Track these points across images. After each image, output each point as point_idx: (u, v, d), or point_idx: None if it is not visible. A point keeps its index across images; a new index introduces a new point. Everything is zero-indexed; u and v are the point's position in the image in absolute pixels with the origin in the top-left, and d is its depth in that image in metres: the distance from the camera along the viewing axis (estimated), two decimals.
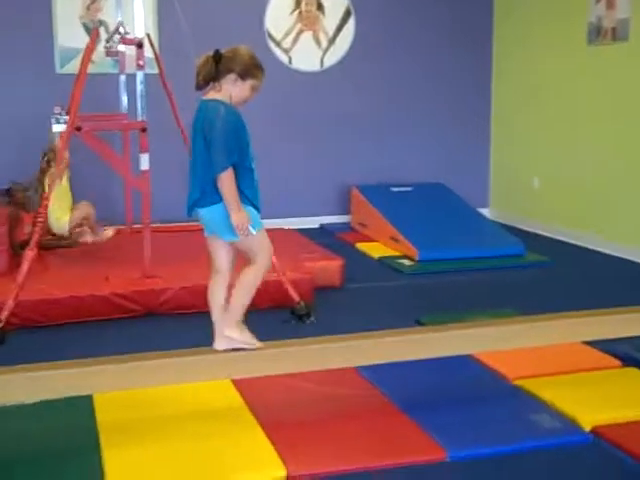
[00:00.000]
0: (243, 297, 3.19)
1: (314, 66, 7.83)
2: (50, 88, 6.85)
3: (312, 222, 7.85)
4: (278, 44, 7.69)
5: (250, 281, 3.19)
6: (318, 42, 7.79)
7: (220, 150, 2.99)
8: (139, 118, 4.91)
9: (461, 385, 3.67)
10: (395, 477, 2.90)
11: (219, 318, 3.23)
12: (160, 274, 4.98)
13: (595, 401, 3.41)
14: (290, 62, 7.75)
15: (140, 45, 4.89)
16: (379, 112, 7.99)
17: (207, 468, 2.91)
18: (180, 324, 4.75)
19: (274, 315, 4.81)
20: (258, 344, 3.23)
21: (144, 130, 4.88)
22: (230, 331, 3.19)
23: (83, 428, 3.24)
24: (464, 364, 3.83)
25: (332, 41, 7.82)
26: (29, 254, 4.52)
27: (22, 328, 4.58)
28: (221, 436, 3.15)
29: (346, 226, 7.78)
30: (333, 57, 7.85)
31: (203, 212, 3.14)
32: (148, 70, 5.16)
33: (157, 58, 5.91)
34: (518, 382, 3.65)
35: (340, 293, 5.44)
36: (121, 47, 5.95)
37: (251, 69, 3.10)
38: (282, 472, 2.88)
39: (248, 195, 3.11)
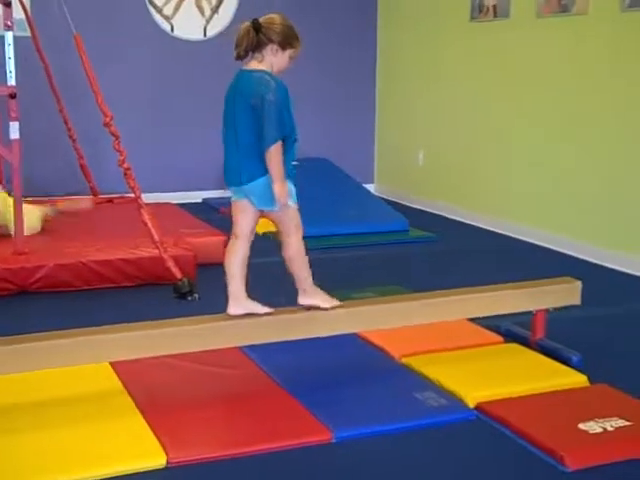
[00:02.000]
0: (303, 265, 3.29)
1: (197, 35, 7.60)
2: None
3: (195, 197, 7.67)
4: (160, 11, 7.42)
5: (299, 249, 3.26)
6: (201, 10, 7.57)
7: (274, 123, 2.99)
8: (9, 83, 4.60)
9: (347, 364, 3.62)
10: (282, 459, 2.82)
11: (236, 282, 3.29)
12: (33, 250, 4.72)
13: (479, 378, 3.42)
14: (172, 30, 7.50)
15: (7, 4, 4.58)
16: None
17: (82, 456, 2.75)
18: (54, 302, 4.54)
19: (155, 292, 4.66)
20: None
21: (13, 96, 4.59)
22: (314, 299, 3.30)
23: None
24: (350, 342, 3.79)
25: (215, 10, 7.61)
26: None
27: None
28: (97, 422, 2.99)
29: (227, 200, 7.60)
30: (216, 26, 7.64)
31: (248, 186, 3.11)
32: (18, 32, 4.86)
33: (28, 18, 5.61)
34: (404, 360, 3.63)
35: (223, 270, 5.30)
36: None
37: (290, 39, 3.09)
38: (162, 459, 2.75)
39: (287, 168, 3.08)
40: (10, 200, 4.83)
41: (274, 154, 3.02)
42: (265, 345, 3.41)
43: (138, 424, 2.98)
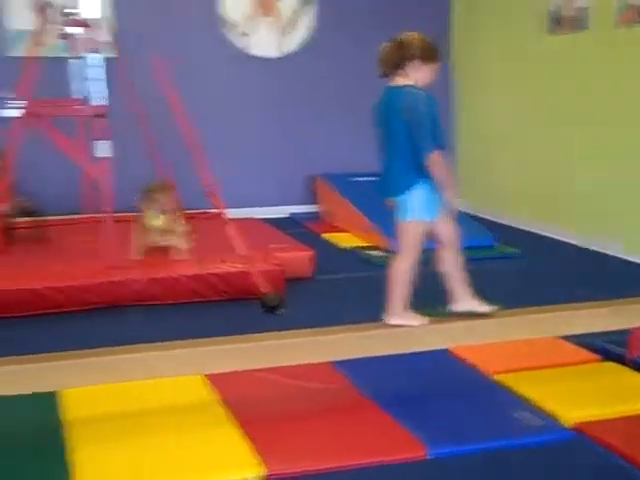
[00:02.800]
0: (398, 286, 3.32)
1: (273, 52, 7.67)
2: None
3: (281, 212, 7.72)
4: (235, 29, 7.52)
5: (399, 268, 3.33)
6: (277, 28, 7.63)
7: (428, 133, 3.12)
8: (94, 103, 4.71)
9: (439, 380, 3.58)
10: (376, 475, 2.80)
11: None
12: (123, 265, 4.81)
13: (576, 397, 3.34)
14: (247, 48, 7.58)
15: (92, 27, 4.70)
16: (339, 99, 7.86)
17: (181, 467, 2.79)
18: (145, 315, 4.62)
19: (243, 307, 4.70)
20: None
21: (102, 116, 4.69)
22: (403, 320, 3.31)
23: (48, 425, 3.10)
24: (442, 358, 3.74)
25: (291, 27, 7.67)
26: None
27: None
28: (195, 433, 3.03)
29: (315, 216, 7.66)
30: (291, 43, 7.70)
31: (402, 196, 3.20)
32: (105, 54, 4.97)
33: (114, 40, 5.74)
34: (497, 377, 3.56)
35: (311, 284, 5.32)
36: (71, 29, 5.73)
37: (431, 53, 3.22)
38: (260, 471, 2.76)
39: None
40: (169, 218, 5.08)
41: (436, 162, 3.13)
42: (355, 359, 3.38)
43: (235, 436, 3.00)
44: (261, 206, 7.59)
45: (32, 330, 4.38)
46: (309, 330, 3.35)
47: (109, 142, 4.71)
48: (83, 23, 4.69)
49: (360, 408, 3.27)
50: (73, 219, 6.32)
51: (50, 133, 4.78)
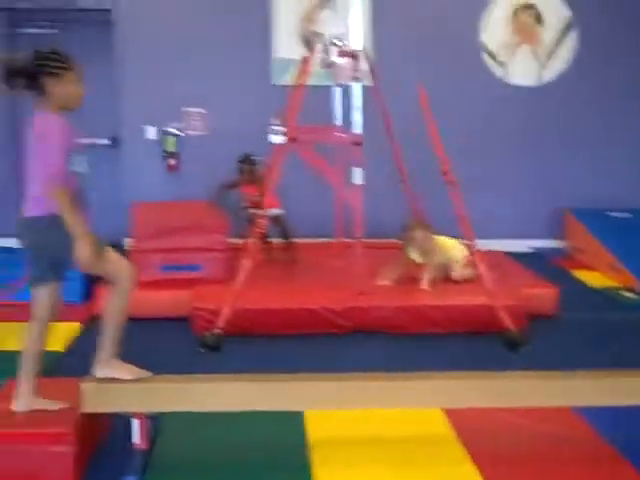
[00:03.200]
0: None
1: (531, 80, 7.54)
2: (266, 99, 7.00)
3: (521, 245, 7.54)
4: (494, 57, 7.48)
5: None
6: (536, 56, 7.51)
7: None
8: (354, 131, 4.87)
9: None
10: None
11: None
12: (370, 291, 4.93)
13: None
14: (506, 76, 7.51)
15: (356, 57, 4.87)
16: (597, 131, 7.57)
17: None
18: (387, 343, 4.70)
19: (485, 341, 4.66)
20: None
21: (359, 144, 4.85)
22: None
23: (294, 443, 3.24)
24: None
25: (551, 55, 7.51)
26: (245, 264, 4.60)
27: (235, 336, 4.67)
28: (432, 467, 3.04)
29: (560, 251, 7.42)
30: (551, 72, 7.53)
31: None
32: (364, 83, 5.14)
33: (372, 70, 5.91)
34: None
35: (554, 323, 5.16)
36: (337, 59, 5.98)
37: None
38: None
39: None
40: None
41: None
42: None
43: (472, 476, 2.97)
44: (502, 238, 7.45)
45: (280, 348, 4.60)
46: (550, 372, 3.25)
47: (362, 170, 4.84)
48: (351, 54, 4.87)
49: (601, 457, 3.14)
50: (323, 243, 6.57)
51: (309, 158, 5.00)
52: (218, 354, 4.50)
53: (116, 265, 3.01)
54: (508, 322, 4.60)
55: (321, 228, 6.83)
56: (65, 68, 2.89)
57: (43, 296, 3.01)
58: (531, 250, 7.50)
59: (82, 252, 2.85)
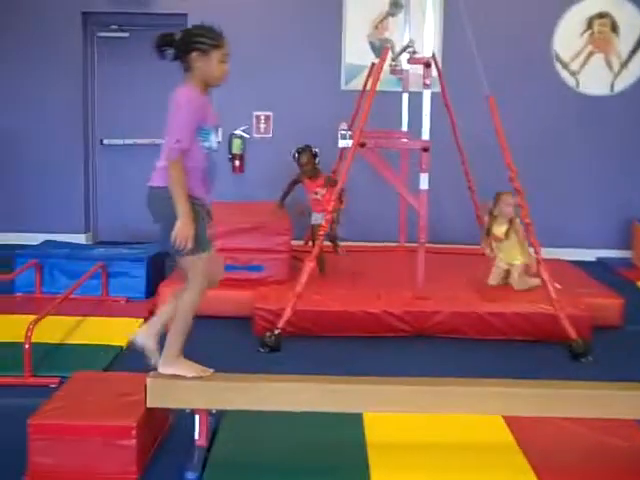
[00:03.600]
0: None
1: (604, 90, 7.41)
2: (334, 104, 7.03)
3: (587, 254, 7.41)
4: (566, 66, 7.38)
5: None
6: (609, 65, 7.38)
7: None
8: (423, 137, 4.87)
9: None
10: None
11: None
12: (431, 296, 4.91)
13: None
14: (578, 85, 7.40)
15: (428, 65, 4.86)
16: None
17: None
18: (447, 348, 4.69)
19: (546, 350, 4.62)
20: None
21: (426, 150, 4.84)
22: None
23: (352, 445, 3.24)
24: None
25: (625, 64, 7.37)
26: (308, 266, 4.64)
27: (294, 336, 4.71)
28: (492, 475, 3.01)
29: (626, 262, 7.27)
30: (625, 81, 7.39)
31: None
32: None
33: (440, 77, 5.91)
34: None
35: (619, 334, 5.07)
36: (406, 66, 5.99)
37: None
38: None
39: None
40: None
41: None
42: None
43: None
44: (568, 247, 7.34)
45: (338, 350, 4.62)
46: (616, 384, 3.24)
47: (428, 175, 4.84)
48: (424, 61, 4.85)
49: None
50: (386, 246, 6.58)
51: (376, 162, 5.02)
52: (278, 354, 4.55)
53: (206, 264, 2.95)
54: (571, 331, 4.54)
55: (384, 232, 6.85)
56: (213, 45, 2.92)
57: (200, 264, 2.91)
58: (595, 260, 7.36)
59: (180, 231, 2.81)
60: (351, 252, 6.12)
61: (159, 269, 5.78)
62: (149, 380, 3.04)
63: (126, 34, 7.45)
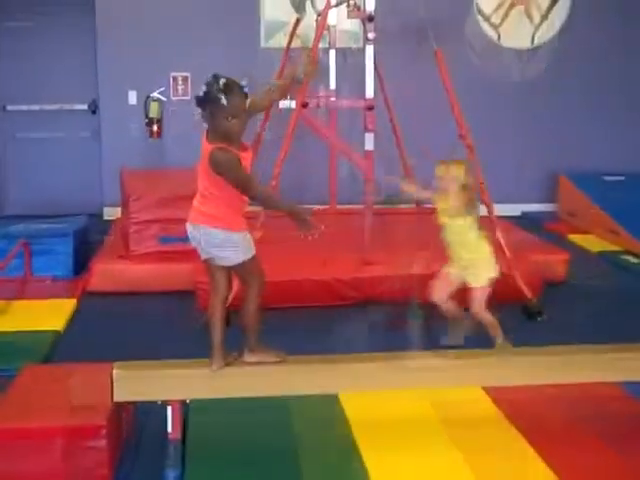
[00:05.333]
0: None
1: (524, 43, 7.37)
2: (254, 62, 6.70)
3: (511, 209, 7.39)
4: (487, 19, 7.29)
5: None
6: (530, 17, 7.33)
7: None
8: (367, 95, 4.66)
9: None
10: None
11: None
12: (379, 260, 4.74)
13: None
14: (499, 39, 7.34)
15: (371, 19, 4.63)
16: (590, 95, 7.44)
17: None
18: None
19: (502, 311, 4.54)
20: None
21: (371, 108, 4.64)
22: None
23: (335, 424, 3.09)
24: None
25: (545, 17, 7.34)
26: (255, 235, 4.38)
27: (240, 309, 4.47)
28: (486, 449, 2.90)
29: (552, 215, 7.32)
30: (545, 34, 7.37)
31: None
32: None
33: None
34: None
35: (563, 290, 5.05)
36: (332, 21, 5.74)
37: None
38: None
39: None
40: None
41: None
42: None
43: (530, 457, 2.84)
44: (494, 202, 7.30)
45: (288, 322, 4.43)
46: (598, 347, 3.16)
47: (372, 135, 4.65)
48: (365, 16, 4.61)
49: None
50: (318, 209, 6.35)
51: (315, 124, 4.80)
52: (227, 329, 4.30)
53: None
54: (527, 291, 4.48)
55: (313, 195, 6.65)
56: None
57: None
58: (520, 214, 7.37)
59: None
60: (283, 217, 5.89)
61: (86, 244, 5.41)
62: (115, 372, 2.76)
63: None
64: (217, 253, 2.87)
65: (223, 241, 2.84)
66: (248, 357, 2.94)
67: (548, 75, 7.38)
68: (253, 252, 2.93)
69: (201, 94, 2.72)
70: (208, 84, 2.72)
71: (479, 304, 3.80)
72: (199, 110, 2.76)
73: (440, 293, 3.90)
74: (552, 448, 2.87)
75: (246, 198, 2.86)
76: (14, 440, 2.65)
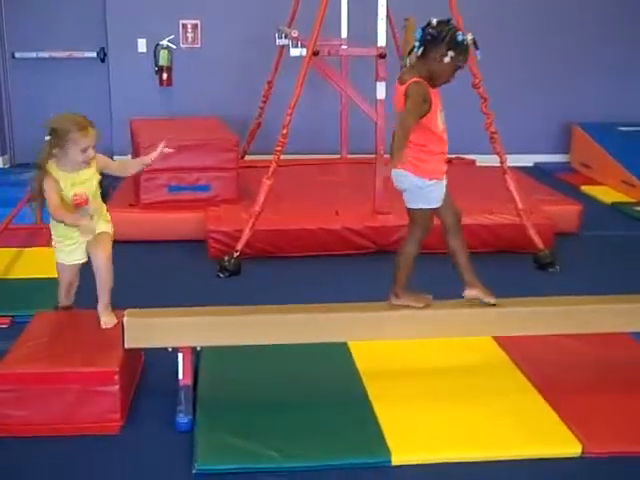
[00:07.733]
0: None
1: None
2: (268, 9, 6.60)
3: (524, 160, 7.31)
4: None
5: None
6: None
7: None
8: (378, 43, 4.58)
9: None
10: None
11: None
12: (391, 210, 4.71)
13: None
14: None
15: None
16: (606, 44, 7.28)
17: (492, 435, 2.68)
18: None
19: (511, 260, 4.52)
20: None
21: (383, 57, 4.57)
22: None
23: (346, 375, 3.08)
24: None
25: None
26: (265, 184, 4.37)
27: (253, 258, 4.48)
28: (496, 399, 2.90)
29: (565, 166, 7.24)
30: None
31: None
32: None
33: None
34: None
35: (577, 241, 5.02)
36: None
37: None
38: (577, 449, 2.59)
39: None
40: None
41: None
42: None
43: (538, 405, 2.85)
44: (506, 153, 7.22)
45: (298, 269, 4.44)
46: (611, 297, 3.12)
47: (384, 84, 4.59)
48: None
49: None
50: (329, 159, 6.32)
51: (328, 72, 4.74)
52: (237, 278, 4.32)
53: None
54: (538, 241, 4.45)
55: (325, 145, 6.59)
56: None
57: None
58: (533, 165, 7.29)
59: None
60: (294, 166, 5.88)
61: None
62: (126, 320, 2.77)
63: None
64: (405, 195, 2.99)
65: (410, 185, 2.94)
66: (395, 299, 2.98)
67: (562, 24, 7.24)
68: (432, 205, 2.96)
69: (431, 32, 2.78)
70: (440, 23, 2.81)
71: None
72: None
73: None
74: (565, 399, 2.88)
75: (443, 148, 2.96)
76: (28, 385, 2.68)
